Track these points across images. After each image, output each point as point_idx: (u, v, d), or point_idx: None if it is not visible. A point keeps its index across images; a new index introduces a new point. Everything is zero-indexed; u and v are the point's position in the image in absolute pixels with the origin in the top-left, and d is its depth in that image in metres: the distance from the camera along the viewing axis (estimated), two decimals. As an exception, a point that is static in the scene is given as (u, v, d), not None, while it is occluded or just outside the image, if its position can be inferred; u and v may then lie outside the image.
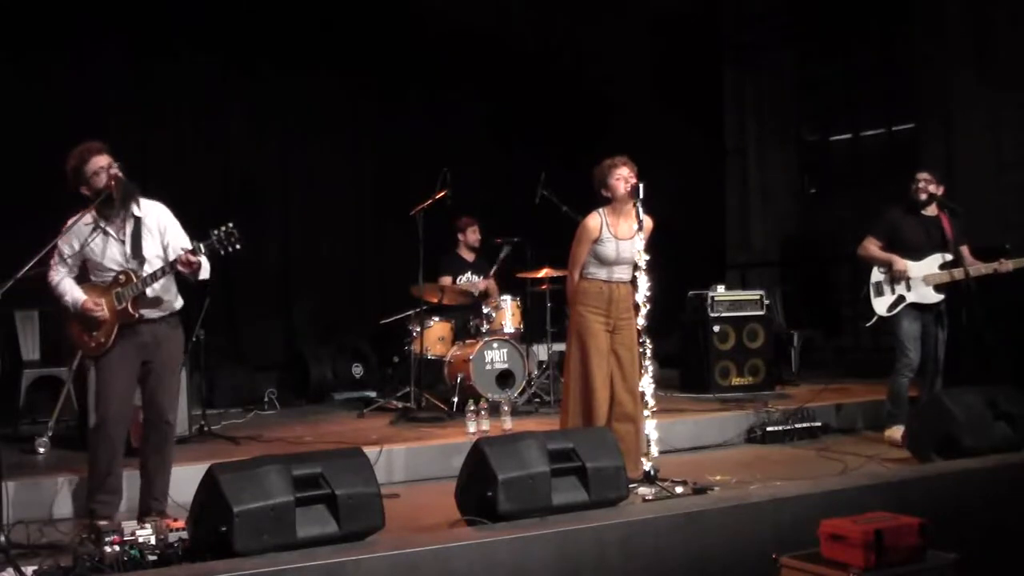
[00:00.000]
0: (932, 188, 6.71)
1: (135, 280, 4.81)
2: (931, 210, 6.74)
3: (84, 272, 4.92)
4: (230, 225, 4.80)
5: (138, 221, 4.91)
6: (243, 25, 9.23)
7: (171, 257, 4.87)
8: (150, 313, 4.89)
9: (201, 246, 4.79)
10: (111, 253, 4.85)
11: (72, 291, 4.85)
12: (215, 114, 9.42)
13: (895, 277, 6.65)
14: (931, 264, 6.66)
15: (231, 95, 9.47)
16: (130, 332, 4.85)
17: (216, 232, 4.79)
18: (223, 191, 9.35)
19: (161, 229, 4.96)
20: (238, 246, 4.81)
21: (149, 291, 4.83)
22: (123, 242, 4.87)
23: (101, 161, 4.79)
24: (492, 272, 8.55)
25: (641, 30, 10.53)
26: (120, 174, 4.80)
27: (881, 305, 6.70)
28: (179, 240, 4.95)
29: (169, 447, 5.02)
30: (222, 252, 4.81)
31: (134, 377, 4.91)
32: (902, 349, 6.67)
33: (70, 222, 4.85)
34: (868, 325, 6.84)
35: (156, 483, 4.93)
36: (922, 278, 6.63)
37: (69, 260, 4.84)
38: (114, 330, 4.82)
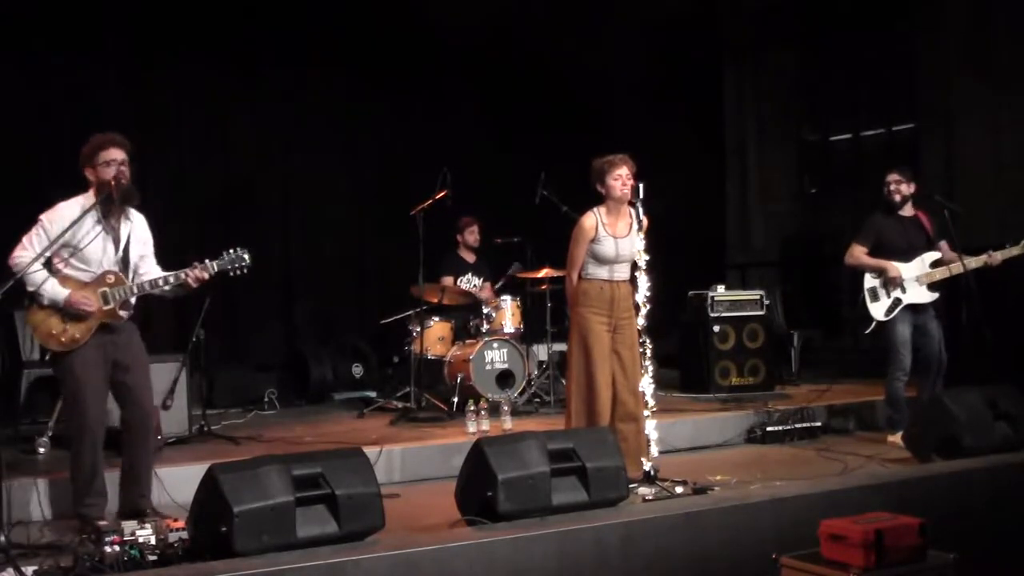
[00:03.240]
0: (904, 188, 6.73)
1: (127, 283, 4.82)
2: (908, 210, 6.76)
3: (48, 260, 4.77)
4: (239, 249, 4.91)
5: (131, 227, 4.95)
6: (243, 26, 9.23)
7: (142, 270, 4.97)
8: (126, 315, 4.90)
9: (214, 265, 4.89)
10: (103, 249, 4.83)
11: (52, 282, 4.72)
12: (215, 114, 9.41)
13: (890, 282, 6.65)
14: (922, 263, 6.67)
15: (231, 96, 9.46)
16: (104, 331, 4.82)
17: (228, 253, 4.91)
18: (224, 191, 9.35)
19: (143, 241, 5.02)
20: (246, 271, 4.95)
21: (134, 298, 4.87)
22: (117, 242, 4.88)
23: (115, 154, 4.80)
24: (495, 286, 8.54)
25: (641, 30, 10.53)
26: (127, 173, 4.81)
27: (879, 310, 6.70)
28: (152, 257, 5.07)
29: (152, 441, 5.02)
30: (231, 274, 4.93)
31: (107, 377, 4.86)
32: (894, 353, 6.67)
33: (63, 207, 4.79)
34: (868, 332, 6.83)
35: (144, 479, 4.91)
36: (916, 278, 6.64)
37: (55, 245, 4.69)
38: (92, 328, 4.78)
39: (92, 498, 4.82)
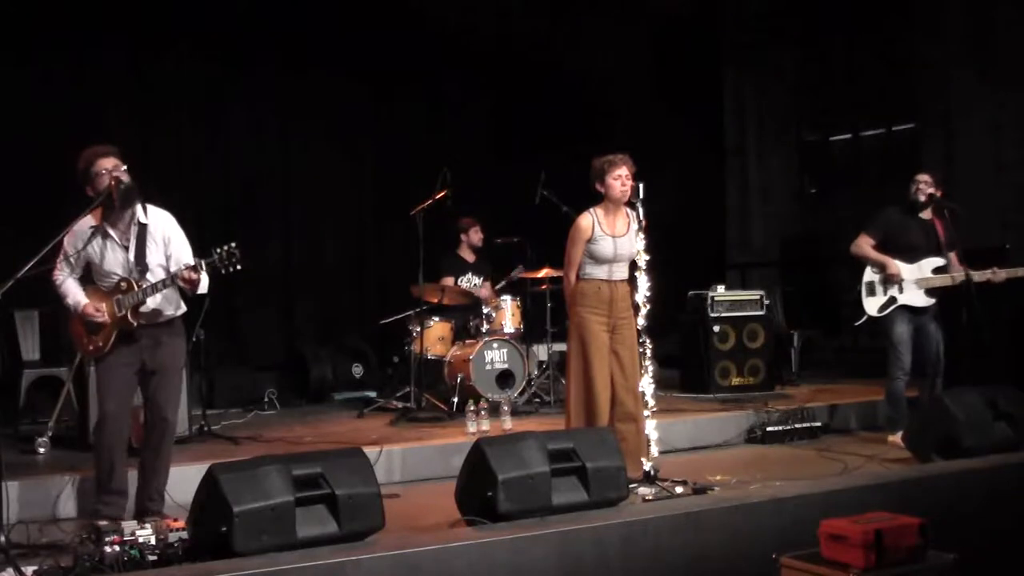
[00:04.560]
0: (931, 190, 6.71)
1: (136, 289, 4.82)
2: (926, 213, 6.74)
3: (88, 273, 4.94)
4: (232, 245, 4.79)
5: (143, 228, 4.91)
6: (243, 25, 9.23)
7: (173, 268, 4.90)
8: (149, 321, 4.89)
9: (203, 263, 4.80)
10: (114, 258, 4.85)
11: (75, 293, 4.88)
12: (215, 114, 9.42)
13: (888, 280, 6.65)
14: (925, 268, 6.66)
15: (231, 95, 9.47)
16: (128, 337, 4.86)
17: (218, 251, 4.79)
18: (223, 191, 9.36)
19: (166, 239, 4.96)
20: (239, 267, 4.81)
21: (150, 301, 4.83)
22: (127, 248, 4.87)
23: (107, 164, 4.80)
24: (495, 287, 8.53)
25: (641, 30, 10.54)
26: (121, 177, 4.79)
27: (872, 305, 6.69)
28: (183, 252, 4.99)
29: (167, 447, 5.01)
30: (223, 271, 4.81)
31: (134, 379, 4.92)
32: (894, 352, 6.66)
33: (74, 223, 4.85)
34: (857, 324, 6.84)
35: (152, 482, 4.94)
36: (915, 281, 6.63)
37: (72, 260, 4.86)
38: (112, 335, 4.83)
39: (108, 496, 4.86)
